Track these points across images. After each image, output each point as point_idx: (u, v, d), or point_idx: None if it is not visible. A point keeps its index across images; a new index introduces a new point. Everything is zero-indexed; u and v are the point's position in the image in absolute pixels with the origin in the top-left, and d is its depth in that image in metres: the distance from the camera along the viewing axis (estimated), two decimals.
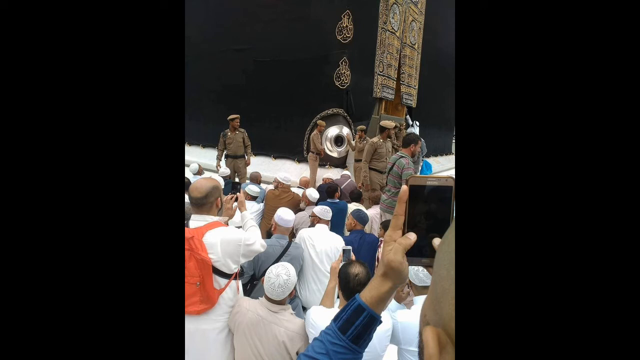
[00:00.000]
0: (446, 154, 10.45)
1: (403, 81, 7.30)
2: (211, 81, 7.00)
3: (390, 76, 6.64)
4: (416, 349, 0.53)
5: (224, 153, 5.14)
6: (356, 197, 3.61)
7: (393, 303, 1.66)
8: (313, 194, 3.43)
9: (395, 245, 0.51)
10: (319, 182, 4.85)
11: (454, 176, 0.42)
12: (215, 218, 1.53)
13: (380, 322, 0.57)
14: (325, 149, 5.59)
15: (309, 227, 2.67)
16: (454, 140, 11.44)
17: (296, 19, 5.73)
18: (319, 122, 5.57)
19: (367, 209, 3.32)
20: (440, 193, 0.49)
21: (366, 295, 0.56)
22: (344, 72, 5.71)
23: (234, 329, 1.50)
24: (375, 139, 4.23)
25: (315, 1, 5.65)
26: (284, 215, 2.23)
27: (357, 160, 5.05)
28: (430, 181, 0.49)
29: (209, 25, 6.88)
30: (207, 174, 4.99)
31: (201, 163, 5.25)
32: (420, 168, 5.94)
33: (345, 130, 5.73)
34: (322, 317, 1.36)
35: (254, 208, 3.43)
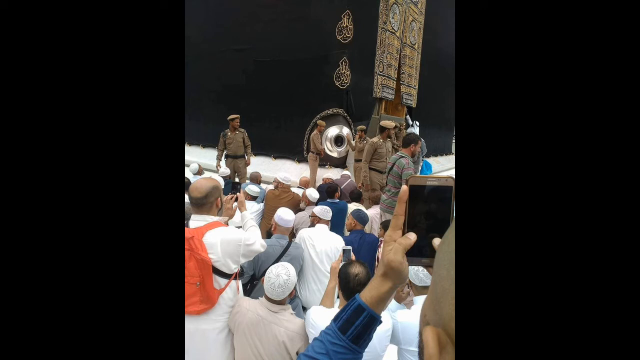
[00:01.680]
0: (446, 154, 10.45)
1: (403, 81, 7.30)
2: (211, 81, 7.00)
3: (390, 76, 6.64)
4: (416, 349, 0.53)
5: (224, 153, 5.14)
6: (356, 197, 3.61)
7: (393, 303, 1.65)
8: (313, 194, 3.43)
9: (395, 245, 0.51)
10: (319, 182, 4.85)
11: (454, 176, 0.42)
12: (215, 218, 1.53)
13: (380, 322, 0.57)
14: (325, 149, 5.58)
15: (309, 227, 2.67)
16: (454, 140, 11.44)
17: (296, 19, 5.73)
18: (319, 122, 5.56)
19: (367, 209, 3.31)
20: (440, 193, 0.49)
21: (366, 295, 0.56)
22: (344, 72, 5.71)
23: (234, 329, 1.50)
24: (375, 139, 4.23)
25: (315, 1, 5.64)
26: (284, 215, 2.23)
27: (357, 160, 5.05)
28: (430, 181, 0.49)
29: (209, 25, 6.88)
30: (207, 174, 4.99)
31: (201, 163, 5.25)
32: (420, 168, 5.93)
33: (345, 130, 5.73)
34: (322, 317, 1.36)
35: (254, 208, 3.43)
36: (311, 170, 5.41)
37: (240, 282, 1.68)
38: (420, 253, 0.50)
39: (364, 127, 5.32)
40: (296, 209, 3.39)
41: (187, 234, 1.38)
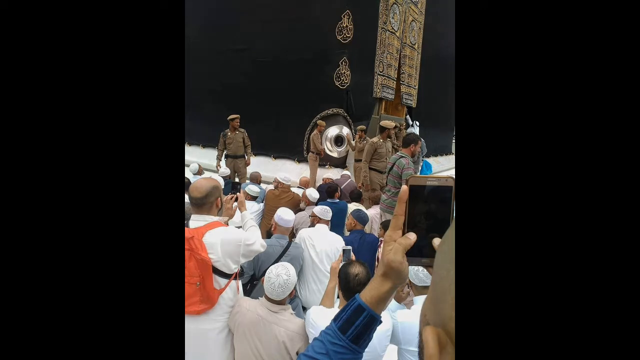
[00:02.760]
0: (446, 154, 10.44)
1: (403, 81, 7.29)
2: (211, 81, 7.00)
3: (390, 76, 6.64)
4: (416, 349, 0.53)
5: (224, 153, 5.14)
6: (356, 197, 3.61)
7: (393, 303, 1.65)
8: (313, 194, 3.43)
9: (395, 245, 0.51)
10: (319, 182, 4.85)
11: (454, 176, 0.42)
12: (215, 218, 1.53)
13: (380, 322, 0.57)
14: (325, 149, 5.58)
15: (309, 227, 2.67)
16: (454, 140, 11.43)
17: (296, 19, 5.73)
18: (319, 122, 5.56)
19: (367, 209, 3.31)
20: (440, 193, 0.49)
21: (366, 295, 0.56)
22: (344, 72, 5.70)
23: (234, 329, 1.50)
24: (375, 139, 4.23)
25: (315, 1, 5.64)
26: (284, 215, 2.23)
27: (357, 160, 5.05)
28: (430, 181, 0.49)
29: (209, 25, 6.88)
30: (207, 174, 4.99)
31: (201, 163, 5.25)
32: (420, 168, 5.93)
33: (345, 130, 5.73)
34: (322, 317, 1.36)
35: (254, 208, 3.43)
36: (311, 170, 5.41)
37: (240, 282, 1.68)
38: (420, 253, 0.50)
39: (364, 127, 5.32)
40: (296, 209, 3.39)
41: (187, 234, 1.38)
